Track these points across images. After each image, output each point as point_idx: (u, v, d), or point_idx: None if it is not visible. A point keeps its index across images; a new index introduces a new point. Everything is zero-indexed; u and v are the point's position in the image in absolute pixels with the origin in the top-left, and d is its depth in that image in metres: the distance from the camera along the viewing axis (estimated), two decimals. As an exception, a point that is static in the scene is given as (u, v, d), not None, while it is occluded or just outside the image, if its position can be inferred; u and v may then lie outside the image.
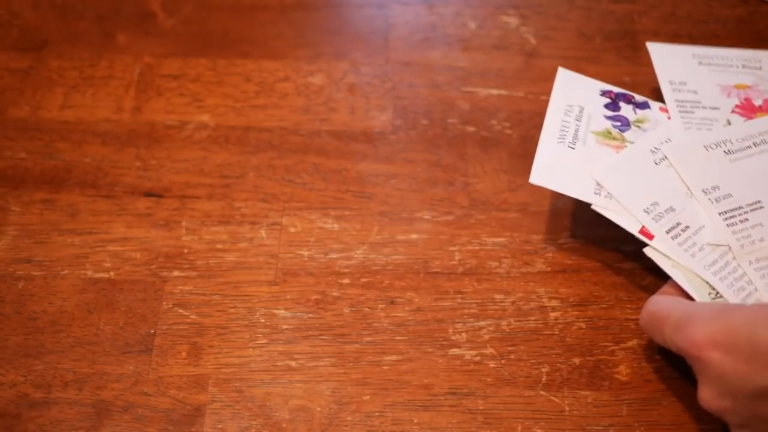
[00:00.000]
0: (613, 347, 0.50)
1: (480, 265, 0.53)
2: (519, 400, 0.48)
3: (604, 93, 0.55)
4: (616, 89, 0.55)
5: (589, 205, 0.51)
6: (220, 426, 0.47)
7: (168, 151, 0.57)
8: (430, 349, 0.50)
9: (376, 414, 0.47)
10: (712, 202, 0.49)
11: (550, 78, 0.61)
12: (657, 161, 0.51)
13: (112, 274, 0.52)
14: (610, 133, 0.52)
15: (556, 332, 0.50)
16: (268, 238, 0.54)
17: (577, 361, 0.49)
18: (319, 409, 0.47)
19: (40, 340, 0.50)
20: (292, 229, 0.54)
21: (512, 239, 0.54)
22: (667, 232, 0.48)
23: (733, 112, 0.53)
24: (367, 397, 0.48)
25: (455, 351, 0.50)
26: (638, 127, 0.53)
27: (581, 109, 0.53)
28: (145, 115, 0.59)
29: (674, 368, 0.49)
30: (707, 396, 0.43)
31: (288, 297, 0.51)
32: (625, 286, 0.52)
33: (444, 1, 0.66)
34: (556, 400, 0.48)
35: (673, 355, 0.49)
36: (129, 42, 0.63)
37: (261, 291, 0.52)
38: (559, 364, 0.49)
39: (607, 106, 0.54)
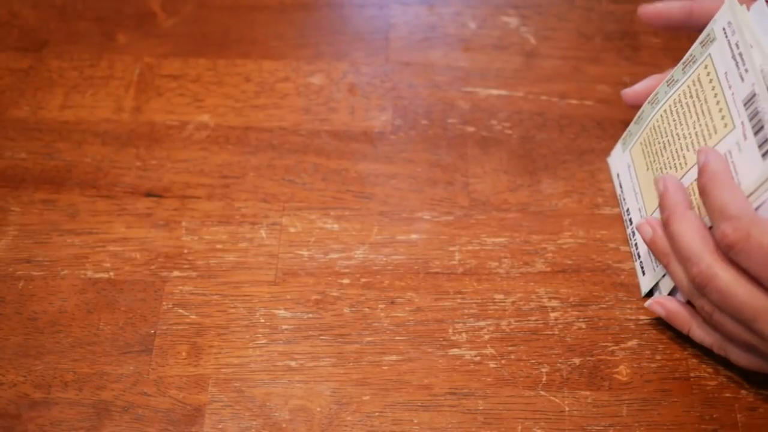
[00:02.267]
0: (613, 347, 0.50)
1: (480, 265, 0.53)
2: (519, 400, 0.48)
3: None
4: None
5: (589, 205, 0.52)
6: (220, 426, 0.47)
7: (168, 151, 0.57)
8: (430, 349, 0.50)
9: (376, 414, 0.47)
10: None
11: (550, 78, 0.62)
12: None
13: (112, 274, 0.52)
14: None
15: (556, 332, 0.50)
16: (268, 238, 0.54)
17: (577, 361, 0.49)
18: (319, 409, 0.47)
19: (40, 340, 0.50)
20: (292, 229, 0.54)
21: (512, 239, 0.54)
22: None
23: None
24: (367, 397, 0.48)
25: (455, 351, 0.50)
26: None
27: None
28: (145, 115, 0.59)
29: (674, 368, 0.49)
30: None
31: (288, 297, 0.51)
32: (625, 286, 0.52)
33: (444, 1, 0.66)
34: (556, 400, 0.48)
35: (673, 355, 0.49)
36: (129, 42, 0.63)
37: (261, 291, 0.52)
38: (559, 364, 0.49)
39: None
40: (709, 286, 0.43)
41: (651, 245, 0.47)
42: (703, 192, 0.44)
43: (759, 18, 0.45)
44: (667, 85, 0.50)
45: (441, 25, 0.65)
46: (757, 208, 0.43)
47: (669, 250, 0.46)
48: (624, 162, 0.54)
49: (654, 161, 0.51)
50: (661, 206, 0.46)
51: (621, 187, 0.54)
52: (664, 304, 0.49)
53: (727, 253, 0.42)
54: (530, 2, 0.66)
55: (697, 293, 0.45)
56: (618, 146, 0.56)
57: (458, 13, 0.65)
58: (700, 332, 0.48)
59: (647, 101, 0.52)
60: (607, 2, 0.66)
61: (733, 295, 0.42)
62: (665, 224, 0.46)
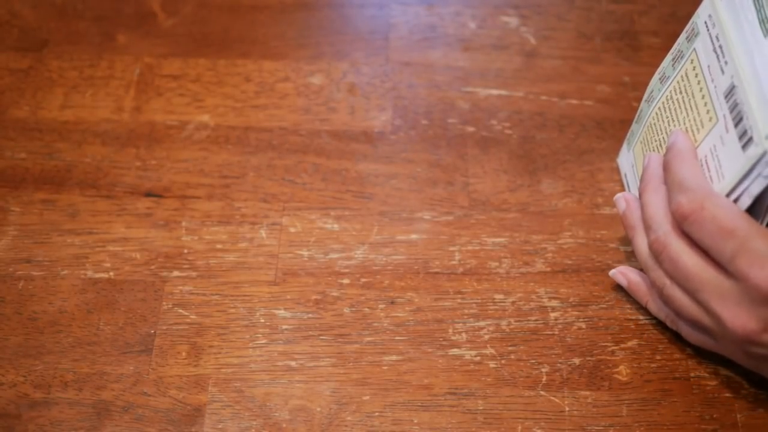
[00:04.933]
0: (613, 347, 0.50)
1: (480, 265, 0.53)
2: (519, 400, 0.48)
3: None
4: None
5: (589, 205, 0.51)
6: (220, 426, 0.47)
7: (168, 151, 0.57)
8: (430, 349, 0.50)
9: (376, 414, 0.47)
10: None
11: (550, 78, 0.62)
12: None
13: (112, 274, 0.52)
14: None
15: (556, 332, 0.50)
16: (268, 238, 0.54)
17: (577, 361, 0.49)
18: (319, 409, 0.47)
19: (40, 340, 0.50)
20: (292, 229, 0.54)
21: (512, 239, 0.54)
22: None
23: None
24: (367, 397, 0.48)
25: (455, 351, 0.50)
26: None
27: None
28: (145, 115, 0.59)
29: (674, 368, 0.49)
30: (745, 316, 0.42)
31: (288, 297, 0.51)
32: (625, 286, 0.52)
33: (444, 1, 0.66)
34: (556, 400, 0.48)
35: (673, 355, 0.49)
36: (129, 42, 0.63)
37: (261, 291, 0.52)
38: (559, 364, 0.49)
39: None
40: (663, 254, 0.45)
41: (622, 217, 0.49)
42: (666, 167, 0.46)
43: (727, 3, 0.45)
44: (660, 82, 0.50)
45: (441, 25, 0.65)
46: (736, 200, 0.43)
47: (636, 224, 0.48)
48: (629, 162, 0.54)
49: None
50: (641, 178, 0.48)
51: (629, 187, 0.54)
52: (626, 274, 0.50)
53: (682, 224, 0.43)
54: (530, 2, 0.66)
55: (652, 265, 0.46)
56: (624, 146, 0.56)
57: (458, 13, 0.65)
58: (655, 306, 0.49)
59: (644, 99, 0.52)
60: (607, 2, 0.66)
61: (683, 263, 0.44)
62: (639, 194, 0.48)
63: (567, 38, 0.64)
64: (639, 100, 0.60)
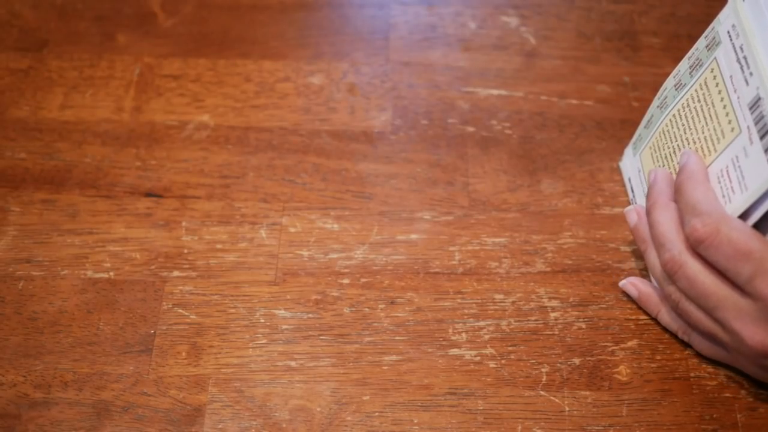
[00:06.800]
0: (613, 347, 0.50)
1: (480, 265, 0.53)
2: (519, 400, 0.48)
3: None
4: None
5: (589, 205, 0.51)
6: (220, 426, 0.47)
7: (168, 151, 0.57)
8: (430, 349, 0.50)
9: (376, 414, 0.47)
10: None
11: (550, 78, 0.62)
12: None
13: (112, 274, 0.52)
14: None
15: (556, 332, 0.50)
16: (268, 238, 0.54)
17: (577, 361, 0.49)
18: (319, 409, 0.47)
19: (40, 340, 0.50)
20: (292, 229, 0.54)
21: (512, 239, 0.54)
22: None
23: None
24: (367, 397, 0.48)
25: (455, 351, 0.50)
26: None
27: None
28: (145, 115, 0.59)
29: (674, 368, 0.49)
30: (763, 333, 0.43)
31: (288, 297, 0.51)
32: (625, 286, 0.52)
33: (444, 1, 0.66)
34: (556, 400, 0.48)
35: (673, 355, 0.49)
36: (129, 42, 0.63)
37: (261, 291, 0.52)
38: (559, 364, 0.49)
39: None
40: (678, 273, 0.45)
41: (633, 231, 0.49)
42: (678, 190, 0.46)
43: (753, 7, 0.45)
44: (675, 89, 0.50)
45: (441, 25, 0.65)
46: (756, 204, 0.43)
47: (647, 238, 0.48)
48: (635, 167, 0.54)
49: (663, 166, 0.50)
50: (648, 195, 0.48)
51: (633, 191, 0.54)
52: (637, 285, 0.51)
53: (697, 247, 0.43)
54: (530, 2, 0.66)
55: (667, 280, 0.46)
56: (629, 150, 0.55)
57: (458, 13, 0.65)
58: (667, 317, 0.49)
59: (656, 105, 0.52)
60: (606, 2, 0.66)
61: (700, 282, 0.44)
62: (648, 212, 0.48)
63: (567, 38, 0.64)
64: (639, 100, 0.60)
